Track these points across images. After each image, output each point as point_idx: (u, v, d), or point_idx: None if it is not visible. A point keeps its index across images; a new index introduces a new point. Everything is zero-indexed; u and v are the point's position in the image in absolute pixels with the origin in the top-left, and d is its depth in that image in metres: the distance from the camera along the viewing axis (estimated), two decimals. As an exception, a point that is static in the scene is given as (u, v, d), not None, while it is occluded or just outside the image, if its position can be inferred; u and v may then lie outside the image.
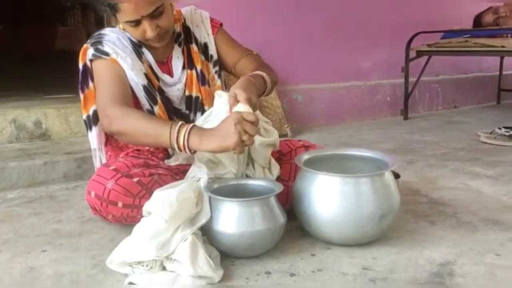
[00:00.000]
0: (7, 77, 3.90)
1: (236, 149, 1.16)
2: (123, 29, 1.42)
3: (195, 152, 1.25)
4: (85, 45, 1.42)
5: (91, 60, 1.38)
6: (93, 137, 1.47)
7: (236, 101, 1.22)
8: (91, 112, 1.44)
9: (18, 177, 1.83)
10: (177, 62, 1.49)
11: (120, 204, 1.24)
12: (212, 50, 1.54)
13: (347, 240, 1.25)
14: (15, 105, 2.35)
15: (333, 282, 1.09)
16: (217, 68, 1.55)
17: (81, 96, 1.45)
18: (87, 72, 1.42)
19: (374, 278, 1.10)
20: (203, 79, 1.50)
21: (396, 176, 1.47)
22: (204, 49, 1.53)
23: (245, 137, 1.15)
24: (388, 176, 1.27)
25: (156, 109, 1.41)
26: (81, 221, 1.48)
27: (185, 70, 1.49)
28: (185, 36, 1.51)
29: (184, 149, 1.20)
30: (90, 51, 1.38)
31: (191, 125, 1.21)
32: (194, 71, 1.50)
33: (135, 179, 1.25)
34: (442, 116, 3.47)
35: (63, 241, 1.33)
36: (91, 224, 1.45)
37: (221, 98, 1.31)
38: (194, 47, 1.52)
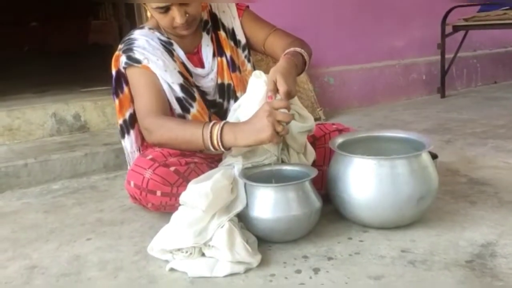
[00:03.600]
0: (44, 72, 4.04)
1: (273, 141, 1.16)
2: (152, 29, 1.43)
3: (229, 149, 1.26)
4: (116, 53, 1.43)
5: (124, 68, 1.41)
6: (131, 140, 1.48)
7: (276, 87, 1.19)
8: (127, 116, 1.47)
9: (61, 168, 1.90)
10: (207, 50, 1.49)
11: (158, 193, 1.27)
12: (240, 35, 1.53)
13: (384, 224, 1.24)
14: (54, 99, 2.43)
15: (371, 265, 1.08)
16: (246, 52, 1.54)
17: (116, 101, 1.47)
18: (121, 78, 1.45)
19: (413, 260, 1.09)
20: (233, 66, 1.50)
21: (434, 156, 1.44)
22: (232, 34, 1.52)
23: (279, 128, 1.15)
24: (426, 157, 1.24)
25: (195, 105, 1.42)
26: (122, 210, 1.53)
27: (216, 58, 1.49)
28: (212, 23, 1.51)
29: (219, 148, 1.23)
30: (123, 59, 1.40)
31: (222, 123, 1.23)
32: (224, 58, 1.50)
33: (172, 168, 1.28)
34: (481, 93, 3.35)
35: (106, 229, 1.38)
36: (131, 213, 1.49)
37: (259, 79, 1.27)
38: (222, 34, 1.51)
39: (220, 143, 1.22)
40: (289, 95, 1.19)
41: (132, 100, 1.46)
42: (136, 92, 1.41)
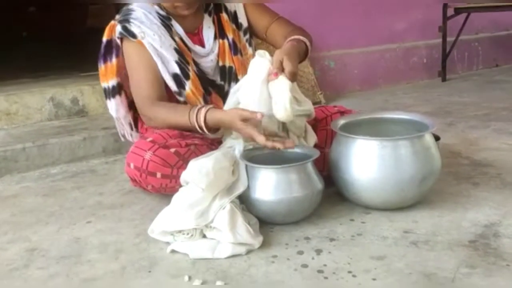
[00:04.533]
0: (42, 57, 4.00)
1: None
2: (152, 4, 1.41)
3: (217, 130, 1.29)
4: (112, 22, 1.42)
5: (120, 38, 1.39)
6: (112, 106, 1.50)
7: (281, 66, 1.20)
8: (110, 84, 1.48)
9: (59, 153, 1.89)
10: (208, 32, 1.47)
11: (159, 175, 1.26)
12: (242, 18, 1.51)
13: (386, 205, 1.23)
14: (52, 83, 2.41)
15: (374, 245, 1.08)
16: (247, 36, 1.53)
17: (102, 66, 1.47)
18: (112, 47, 1.44)
19: (416, 241, 1.08)
20: (235, 49, 1.49)
21: (436, 138, 1.42)
22: (234, 17, 1.51)
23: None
24: (428, 138, 1.23)
25: (189, 84, 1.40)
26: (122, 193, 1.52)
27: (217, 40, 1.48)
28: (214, 5, 1.49)
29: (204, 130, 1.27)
30: (118, 29, 1.38)
31: (207, 108, 1.27)
32: (226, 41, 1.48)
33: (172, 150, 1.27)
34: (482, 76, 3.32)
35: (106, 212, 1.37)
36: (131, 196, 1.48)
37: (263, 58, 1.26)
38: (224, 16, 1.49)
39: (202, 124, 1.27)
40: (294, 76, 1.20)
41: (117, 74, 1.47)
42: (131, 70, 1.41)
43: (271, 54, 1.25)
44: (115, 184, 1.61)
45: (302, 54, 1.34)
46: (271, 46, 1.53)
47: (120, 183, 1.61)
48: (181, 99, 1.41)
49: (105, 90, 1.50)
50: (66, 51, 4.43)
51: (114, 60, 1.45)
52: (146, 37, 1.35)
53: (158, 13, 1.41)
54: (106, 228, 1.26)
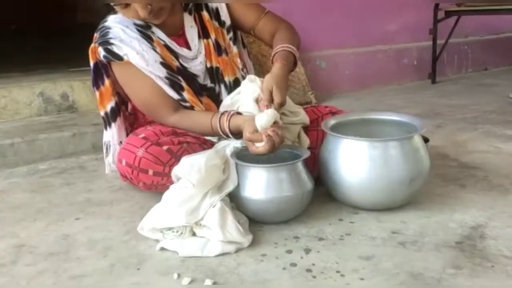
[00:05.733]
0: (31, 52, 3.96)
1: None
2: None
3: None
4: (92, 45, 1.36)
5: (107, 62, 1.35)
6: (113, 133, 1.45)
7: (271, 97, 1.22)
8: (108, 109, 1.42)
9: (48, 148, 1.87)
10: (191, 31, 1.43)
11: (150, 172, 1.25)
12: (224, 16, 1.46)
13: (375, 205, 1.24)
14: (41, 78, 2.38)
15: (362, 245, 1.09)
16: (231, 34, 1.48)
17: (97, 93, 1.42)
18: (101, 69, 1.39)
19: (404, 242, 1.09)
20: (219, 49, 1.45)
21: (425, 140, 1.44)
22: (216, 14, 1.46)
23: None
24: (418, 139, 1.24)
25: (185, 95, 1.37)
26: (111, 190, 1.51)
27: (201, 40, 1.43)
28: (194, 3, 1.45)
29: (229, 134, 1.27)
30: (101, 52, 1.33)
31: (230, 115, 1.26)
32: (210, 40, 1.44)
33: (165, 147, 1.26)
34: (472, 79, 3.36)
35: (95, 209, 1.36)
36: (121, 193, 1.48)
37: (253, 84, 1.29)
38: (205, 15, 1.45)
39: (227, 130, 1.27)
40: (281, 106, 1.23)
41: (113, 93, 1.42)
42: (131, 92, 1.38)
43: (264, 54, 1.26)
44: (105, 181, 1.60)
45: (291, 66, 1.34)
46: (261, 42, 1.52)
47: (110, 180, 1.60)
48: (187, 104, 1.38)
49: (104, 117, 1.44)
50: (56, 45, 4.39)
51: (106, 81, 1.40)
52: (131, 57, 1.31)
53: (135, 24, 1.35)
54: (95, 225, 1.26)
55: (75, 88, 2.28)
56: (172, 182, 1.19)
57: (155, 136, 1.29)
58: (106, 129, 1.46)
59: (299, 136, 1.37)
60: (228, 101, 1.37)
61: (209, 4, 1.46)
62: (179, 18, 1.42)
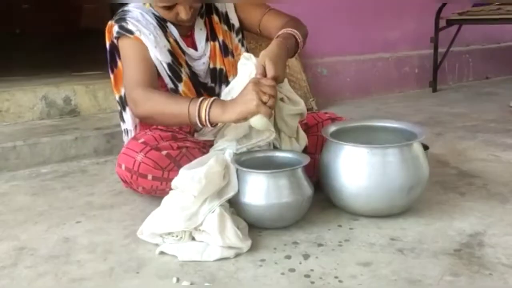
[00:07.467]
0: (35, 55, 3.98)
1: (261, 112, 1.12)
2: (149, 5, 1.41)
3: (216, 125, 1.24)
4: (109, 23, 1.40)
5: (117, 38, 1.38)
6: (128, 118, 1.47)
7: (264, 71, 1.19)
8: (122, 92, 1.45)
9: (50, 152, 1.88)
10: (200, 34, 1.47)
11: (149, 177, 1.26)
12: (233, 19, 1.51)
13: (375, 212, 1.25)
14: (45, 82, 2.40)
15: (361, 252, 1.09)
16: (240, 36, 1.53)
17: (112, 76, 1.45)
18: (114, 51, 1.42)
19: (402, 248, 1.10)
20: (225, 50, 1.49)
21: (425, 148, 1.45)
22: (225, 18, 1.50)
23: (264, 98, 1.12)
24: (417, 147, 1.25)
25: (181, 86, 1.40)
26: (112, 194, 1.52)
27: (209, 42, 1.48)
28: (206, 7, 1.49)
29: (206, 123, 1.18)
30: (115, 29, 1.37)
31: (212, 98, 1.20)
32: (217, 43, 1.48)
33: (164, 152, 1.27)
34: (472, 88, 3.37)
35: (96, 213, 1.37)
36: (122, 197, 1.48)
37: (248, 61, 1.28)
38: (215, 18, 1.49)
39: (207, 117, 1.18)
40: (276, 81, 1.19)
41: None
42: (126, 63, 1.37)
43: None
44: (106, 185, 1.61)
45: (293, 48, 1.32)
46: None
47: (111, 184, 1.61)
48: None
49: (119, 101, 1.47)
50: (60, 50, 4.42)
51: (119, 64, 1.43)
52: (142, 35, 1.34)
53: (154, 14, 1.41)
54: (96, 229, 1.27)
55: (78, 92, 2.29)
56: (171, 188, 1.19)
57: (155, 141, 1.30)
58: (121, 114, 1.48)
59: (297, 132, 1.34)
60: (227, 90, 1.35)
61: (219, 8, 1.50)
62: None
